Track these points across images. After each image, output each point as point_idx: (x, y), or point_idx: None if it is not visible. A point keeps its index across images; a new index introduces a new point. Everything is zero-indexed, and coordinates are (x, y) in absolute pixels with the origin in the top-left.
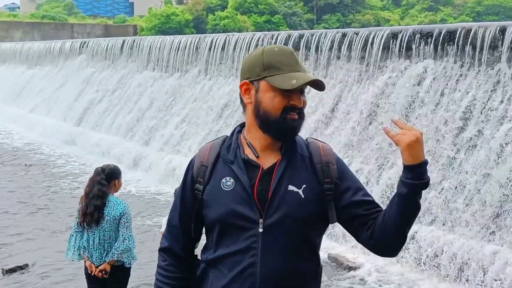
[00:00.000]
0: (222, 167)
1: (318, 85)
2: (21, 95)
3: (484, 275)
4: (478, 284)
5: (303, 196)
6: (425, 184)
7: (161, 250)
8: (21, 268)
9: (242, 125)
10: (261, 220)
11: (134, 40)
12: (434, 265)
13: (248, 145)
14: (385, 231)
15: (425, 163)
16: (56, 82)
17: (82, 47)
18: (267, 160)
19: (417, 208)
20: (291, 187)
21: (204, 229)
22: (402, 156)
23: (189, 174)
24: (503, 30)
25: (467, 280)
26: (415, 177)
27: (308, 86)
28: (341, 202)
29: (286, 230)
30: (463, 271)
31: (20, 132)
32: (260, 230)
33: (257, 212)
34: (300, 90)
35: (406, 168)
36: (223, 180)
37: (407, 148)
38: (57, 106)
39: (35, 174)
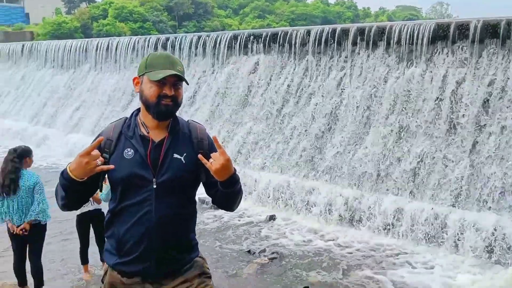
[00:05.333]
0: (124, 141)
1: (180, 78)
2: None
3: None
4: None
5: (184, 162)
6: (233, 190)
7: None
8: None
9: (139, 109)
10: (154, 179)
11: (33, 44)
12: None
13: (142, 124)
14: (219, 203)
15: (230, 177)
16: None
17: None
18: (158, 136)
19: (235, 195)
20: (175, 155)
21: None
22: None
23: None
24: (309, 32)
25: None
26: (225, 187)
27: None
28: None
29: (172, 186)
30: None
31: None
32: (154, 186)
33: (151, 173)
34: (173, 83)
35: (218, 181)
36: (125, 151)
37: (215, 172)
38: None
39: None
